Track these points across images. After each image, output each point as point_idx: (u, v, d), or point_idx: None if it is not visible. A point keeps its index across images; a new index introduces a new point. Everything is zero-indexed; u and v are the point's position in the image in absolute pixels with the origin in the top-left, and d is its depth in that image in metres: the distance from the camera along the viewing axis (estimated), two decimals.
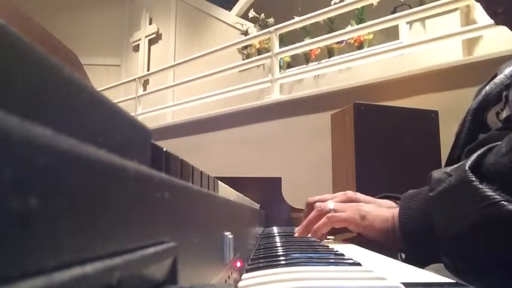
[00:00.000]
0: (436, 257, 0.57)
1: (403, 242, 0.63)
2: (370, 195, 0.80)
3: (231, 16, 4.23)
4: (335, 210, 0.74)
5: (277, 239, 0.67)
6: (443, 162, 0.91)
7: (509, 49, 1.63)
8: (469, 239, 0.49)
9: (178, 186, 0.16)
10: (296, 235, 0.78)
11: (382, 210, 0.70)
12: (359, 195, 0.79)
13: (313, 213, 0.76)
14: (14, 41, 0.08)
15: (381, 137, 1.62)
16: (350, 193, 0.80)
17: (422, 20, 2.54)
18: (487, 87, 0.74)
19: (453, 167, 0.55)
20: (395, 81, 2.18)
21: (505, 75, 0.73)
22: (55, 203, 0.07)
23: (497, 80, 0.73)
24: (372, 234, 0.69)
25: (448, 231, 0.52)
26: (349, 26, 2.82)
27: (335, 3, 2.84)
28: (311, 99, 2.52)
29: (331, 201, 0.76)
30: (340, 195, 0.80)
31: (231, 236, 0.29)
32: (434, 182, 0.56)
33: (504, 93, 0.68)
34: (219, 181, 0.34)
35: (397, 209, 0.66)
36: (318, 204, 0.76)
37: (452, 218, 0.52)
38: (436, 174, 0.57)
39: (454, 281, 0.34)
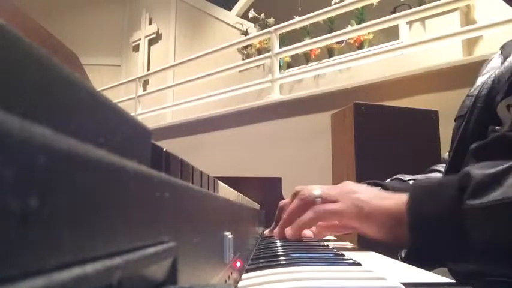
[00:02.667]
0: (445, 259, 0.51)
1: (412, 246, 0.51)
2: None
3: (231, 16, 4.23)
4: (322, 199, 0.60)
5: (277, 239, 0.67)
6: (442, 158, 0.91)
7: None
8: None
9: (178, 186, 0.16)
10: (274, 233, 0.66)
11: (384, 199, 0.56)
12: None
13: (295, 202, 0.62)
14: (14, 41, 0.08)
15: (381, 137, 1.62)
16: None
17: (422, 20, 2.54)
18: (497, 72, 0.66)
19: (501, 168, 0.45)
20: (395, 81, 2.18)
21: None
22: (55, 203, 0.07)
23: (507, 63, 0.65)
24: (370, 230, 0.56)
25: (494, 250, 0.44)
26: (349, 26, 2.82)
27: (335, 3, 2.84)
28: (311, 99, 2.52)
29: (317, 187, 0.62)
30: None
31: (231, 236, 0.29)
32: (477, 186, 0.45)
33: None
34: (219, 181, 0.34)
35: (404, 201, 0.52)
36: (301, 192, 0.62)
37: (503, 238, 0.43)
38: (478, 174, 0.46)
39: (454, 281, 0.34)
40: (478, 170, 0.46)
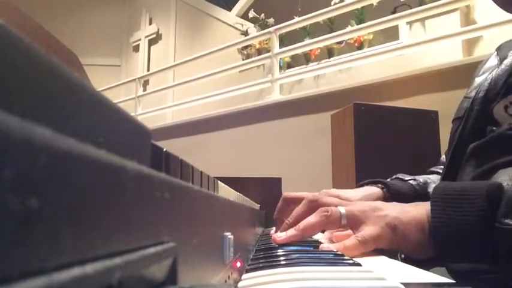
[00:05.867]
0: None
1: (437, 256, 0.49)
2: None
3: (231, 16, 4.23)
4: (348, 219, 0.55)
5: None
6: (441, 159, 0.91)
7: None
8: None
9: (178, 186, 0.16)
10: (281, 238, 0.56)
11: (411, 212, 0.53)
12: (337, 192, 0.69)
13: (316, 217, 0.56)
14: (14, 41, 0.08)
15: (381, 137, 1.62)
16: (330, 192, 0.69)
17: (422, 20, 2.54)
18: (494, 74, 0.66)
19: None
20: (395, 81, 2.18)
21: None
22: (55, 203, 0.07)
23: (504, 65, 0.66)
24: (404, 247, 0.52)
25: None
26: (349, 26, 2.82)
27: (335, 3, 2.84)
28: (311, 99, 2.52)
29: (341, 206, 0.57)
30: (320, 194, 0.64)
31: (231, 236, 0.29)
32: (510, 203, 0.43)
33: None
34: (219, 181, 0.34)
35: (429, 208, 0.50)
36: (324, 208, 0.57)
37: None
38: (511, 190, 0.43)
39: (454, 281, 0.34)
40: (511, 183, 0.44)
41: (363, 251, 0.52)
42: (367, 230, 0.52)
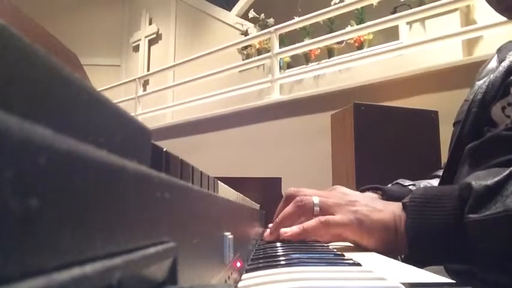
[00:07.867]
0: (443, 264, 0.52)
1: (411, 256, 0.52)
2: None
3: (231, 16, 4.23)
4: (320, 208, 0.58)
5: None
6: (443, 162, 0.91)
7: None
8: None
9: (178, 186, 0.16)
10: (267, 234, 0.63)
11: (380, 212, 0.56)
12: (343, 189, 0.70)
13: (291, 208, 0.61)
14: (14, 41, 0.08)
15: (381, 137, 1.63)
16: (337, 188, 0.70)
17: (422, 20, 2.54)
18: (492, 76, 0.67)
19: (497, 179, 0.45)
20: (395, 81, 2.18)
21: (511, 62, 0.65)
22: (55, 203, 0.07)
23: (501, 67, 0.66)
24: (369, 243, 0.56)
25: (495, 260, 0.44)
26: (349, 26, 2.82)
27: (335, 4, 2.84)
28: (311, 99, 2.52)
29: (312, 193, 0.61)
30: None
31: (231, 236, 0.29)
32: (477, 199, 0.45)
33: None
34: (219, 181, 0.34)
35: (399, 212, 0.54)
36: (298, 198, 0.60)
37: (503, 250, 0.43)
38: (479, 186, 0.46)
39: (454, 281, 0.34)
40: (479, 181, 0.46)
41: (323, 233, 0.57)
42: (335, 218, 0.57)
